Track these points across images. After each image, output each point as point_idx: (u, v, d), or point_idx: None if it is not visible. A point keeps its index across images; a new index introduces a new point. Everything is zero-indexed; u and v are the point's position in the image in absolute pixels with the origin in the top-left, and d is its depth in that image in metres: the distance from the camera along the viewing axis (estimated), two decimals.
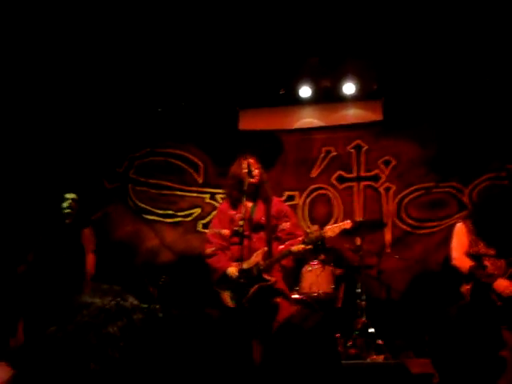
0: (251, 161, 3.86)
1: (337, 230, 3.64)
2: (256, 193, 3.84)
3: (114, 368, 1.44)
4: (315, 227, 5.63)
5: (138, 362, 1.50)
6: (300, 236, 3.77)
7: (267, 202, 3.88)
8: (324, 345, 1.78)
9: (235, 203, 3.84)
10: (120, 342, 1.46)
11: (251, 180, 3.75)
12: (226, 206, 3.97)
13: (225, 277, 3.71)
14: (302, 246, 3.64)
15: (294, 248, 3.66)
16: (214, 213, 4.14)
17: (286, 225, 3.88)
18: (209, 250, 3.82)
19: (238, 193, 3.79)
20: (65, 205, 5.06)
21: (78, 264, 4.94)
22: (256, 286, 3.65)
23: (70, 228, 5.07)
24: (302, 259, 5.20)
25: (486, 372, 1.73)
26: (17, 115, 6.23)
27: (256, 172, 3.84)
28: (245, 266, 3.61)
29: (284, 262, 3.73)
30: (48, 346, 1.48)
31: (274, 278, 3.75)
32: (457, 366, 1.76)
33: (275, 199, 4.00)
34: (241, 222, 3.58)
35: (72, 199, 5.12)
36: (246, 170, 3.79)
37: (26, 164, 6.36)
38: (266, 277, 3.69)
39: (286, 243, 3.77)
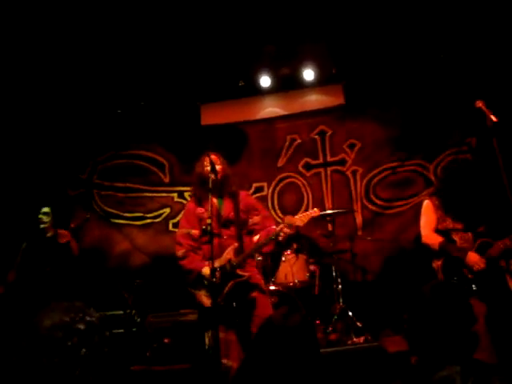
0: (213, 157, 3.84)
1: (305, 219, 3.65)
2: (221, 188, 3.82)
3: None
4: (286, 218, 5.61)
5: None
6: (270, 226, 3.80)
7: (234, 197, 3.87)
8: (306, 344, 1.75)
9: (201, 201, 3.81)
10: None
11: (214, 176, 3.72)
12: (192, 204, 3.95)
13: (200, 277, 3.68)
14: (271, 237, 3.65)
15: (263, 240, 3.68)
16: (182, 212, 4.09)
17: (256, 218, 3.89)
18: (180, 253, 3.81)
19: (203, 190, 3.76)
20: (44, 218, 5.10)
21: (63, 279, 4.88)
22: (231, 283, 3.63)
23: (52, 240, 5.04)
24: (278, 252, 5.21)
25: (461, 347, 1.74)
26: None
27: (219, 168, 3.82)
28: (216, 264, 3.58)
29: (266, 249, 3.75)
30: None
31: (248, 272, 3.73)
32: (433, 344, 1.77)
33: (242, 193, 3.99)
34: (208, 220, 3.53)
35: (43, 213, 5.10)
36: (209, 167, 3.75)
37: None
38: (240, 272, 3.67)
39: (257, 236, 3.77)
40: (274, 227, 3.74)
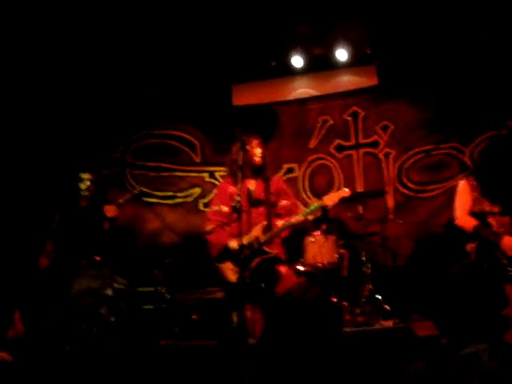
0: (256, 141, 3.88)
1: (335, 199, 3.64)
2: (258, 171, 3.88)
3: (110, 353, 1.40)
4: (315, 199, 5.60)
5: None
6: (296, 213, 3.83)
7: (267, 180, 3.92)
8: (324, 317, 1.75)
9: (235, 180, 3.84)
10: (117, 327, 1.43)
11: (255, 160, 3.79)
12: (226, 183, 4.02)
13: (225, 251, 3.73)
14: (302, 216, 3.65)
15: (294, 219, 3.67)
16: (214, 191, 4.16)
17: (285, 202, 3.94)
18: (208, 227, 3.91)
19: (240, 171, 3.78)
20: (82, 186, 4.89)
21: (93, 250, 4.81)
22: (258, 259, 3.65)
23: (86, 211, 4.92)
24: (303, 231, 5.19)
25: (490, 328, 1.69)
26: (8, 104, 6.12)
27: (260, 152, 3.86)
28: (245, 240, 3.60)
29: (283, 234, 3.76)
30: (45, 335, 1.44)
31: (276, 250, 3.75)
32: (460, 324, 1.73)
33: (275, 177, 4.06)
34: (238, 197, 3.54)
35: (90, 180, 4.92)
36: (256, 150, 3.82)
37: (21, 156, 6.29)
38: (267, 249, 3.70)
39: (285, 218, 3.79)
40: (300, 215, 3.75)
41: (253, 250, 3.66)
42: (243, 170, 3.69)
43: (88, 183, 4.90)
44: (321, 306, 1.72)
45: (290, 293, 1.76)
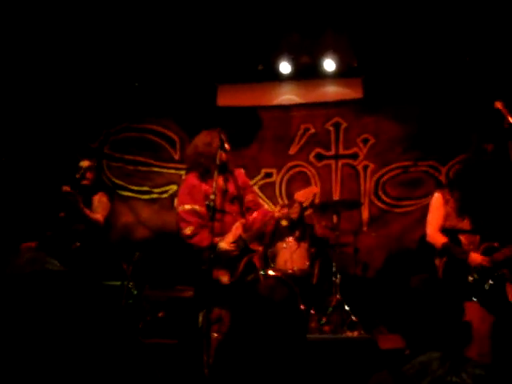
0: (223, 135, 3.79)
1: (308, 195, 3.64)
2: (225, 166, 3.78)
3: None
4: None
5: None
6: (262, 206, 3.80)
7: (232, 174, 3.85)
8: (290, 318, 1.74)
9: (204, 176, 3.76)
10: None
11: (224, 154, 3.68)
12: (195, 180, 3.81)
13: (216, 254, 3.55)
14: (285, 209, 3.63)
15: (277, 213, 3.65)
16: (181, 188, 3.92)
17: (251, 196, 3.90)
18: (188, 230, 3.63)
19: (207, 166, 3.72)
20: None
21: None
22: (245, 259, 3.60)
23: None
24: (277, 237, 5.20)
25: (445, 340, 1.70)
26: None
27: (227, 146, 3.77)
28: (230, 239, 3.56)
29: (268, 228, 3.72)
30: None
31: (259, 248, 3.73)
32: (418, 335, 1.74)
33: (237, 170, 3.96)
34: (212, 196, 3.48)
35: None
36: (219, 144, 3.71)
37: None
38: (253, 247, 3.65)
39: (255, 213, 3.76)
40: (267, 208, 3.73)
41: (239, 249, 3.59)
42: (214, 165, 3.59)
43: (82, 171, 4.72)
44: (287, 308, 1.71)
45: (259, 289, 1.74)
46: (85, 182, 4.75)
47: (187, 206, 3.73)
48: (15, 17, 5.53)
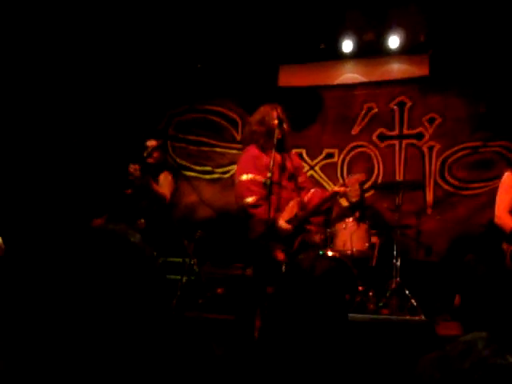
0: (281, 112, 3.78)
1: (353, 182, 3.60)
2: (282, 143, 3.77)
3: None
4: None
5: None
6: (312, 188, 3.79)
7: (289, 153, 3.85)
8: (331, 294, 1.72)
9: (265, 151, 3.76)
10: None
11: (281, 132, 3.68)
12: (257, 151, 3.80)
13: (273, 229, 3.55)
14: (344, 187, 3.61)
15: (336, 188, 3.64)
16: (244, 157, 3.87)
17: (303, 177, 3.90)
18: (251, 200, 3.59)
19: (266, 141, 3.73)
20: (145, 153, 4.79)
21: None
22: (300, 237, 3.62)
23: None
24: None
25: (494, 320, 1.64)
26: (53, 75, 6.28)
27: (286, 125, 3.77)
28: (286, 217, 3.58)
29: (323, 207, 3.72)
30: None
31: (314, 227, 3.73)
32: (471, 314, 1.69)
33: (292, 151, 3.96)
34: (269, 174, 3.49)
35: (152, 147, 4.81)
36: (277, 121, 3.71)
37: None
38: (307, 227, 3.66)
39: (312, 191, 3.76)
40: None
41: (294, 227, 3.60)
42: (272, 141, 3.57)
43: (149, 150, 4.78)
44: (328, 281, 1.69)
45: (300, 261, 1.74)
46: (151, 160, 4.83)
47: (251, 176, 3.70)
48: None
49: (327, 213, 4.41)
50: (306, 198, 3.77)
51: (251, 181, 3.68)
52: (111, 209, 5.01)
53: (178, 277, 5.19)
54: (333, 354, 1.59)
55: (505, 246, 3.65)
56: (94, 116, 6.60)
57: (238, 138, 6.75)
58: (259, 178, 3.66)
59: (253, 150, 3.83)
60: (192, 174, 6.78)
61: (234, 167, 6.63)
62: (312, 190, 3.81)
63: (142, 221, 4.88)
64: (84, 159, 6.33)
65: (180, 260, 5.33)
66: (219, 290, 5.04)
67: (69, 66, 6.29)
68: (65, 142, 6.32)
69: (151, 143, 4.93)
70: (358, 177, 3.74)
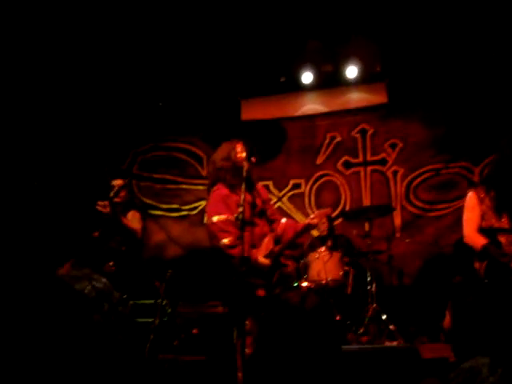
0: (245, 146, 3.76)
1: (321, 216, 3.61)
2: (250, 178, 3.70)
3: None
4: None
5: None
6: (281, 218, 3.77)
7: (256, 189, 3.79)
8: (322, 327, 1.68)
9: (233, 188, 3.70)
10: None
11: (248, 163, 3.61)
12: (224, 189, 3.76)
13: (253, 266, 3.49)
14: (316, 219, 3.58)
15: (308, 220, 3.60)
16: (213, 198, 3.83)
17: (272, 209, 3.85)
18: (227, 241, 3.51)
19: (233, 178, 3.67)
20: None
21: None
22: (277, 273, 3.54)
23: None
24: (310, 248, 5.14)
25: (493, 345, 1.61)
26: (16, 114, 6.15)
27: (253, 158, 3.71)
28: (262, 253, 3.51)
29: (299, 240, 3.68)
30: None
31: (290, 262, 3.67)
32: (466, 340, 1.66)
33: (259, 184, 3.90)
34: (240, 209, 3.43)
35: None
36: (243, 155, 3.67)
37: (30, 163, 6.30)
38: (284, 261, 3.59)
39: (282, 221, 3.72)
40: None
41: (272, 261, 3.54)
42: (241, 176, 3.53)
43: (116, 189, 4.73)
44: (318, 316, 1.65)
45: (289, 298, 1.69)
46: (118, 200, 4.75)
47: (223, 216, 3.62)
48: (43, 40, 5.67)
49: (300, 245, 4.39)
50: (279, 230, 3.71)
51: (224, 221, 3.61)
52: (77, 253, 4.84)
53: (151, 319, 5.00)
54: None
55: (477, 264, 3.67)
56: (57, 156, 6.45)
57: (204, 173, 6.71)
58: (231, 217, 3.59)
59: (221, 190, 3.76)
60: (159, 212, 6.67)
61: (201, 203, 6.60)
62: (283, 221, 3.76)
63: (111, 263, 4.74)
64: (48, 202, 6.13)
65: (152, 302, 5.15)
66: (194, 331, 4.89)
67: (35, 105, 6.18)
68: (27, 184, 6.13)
69: (117, 182, 4.86)
70: (325, 211, 3.76)
